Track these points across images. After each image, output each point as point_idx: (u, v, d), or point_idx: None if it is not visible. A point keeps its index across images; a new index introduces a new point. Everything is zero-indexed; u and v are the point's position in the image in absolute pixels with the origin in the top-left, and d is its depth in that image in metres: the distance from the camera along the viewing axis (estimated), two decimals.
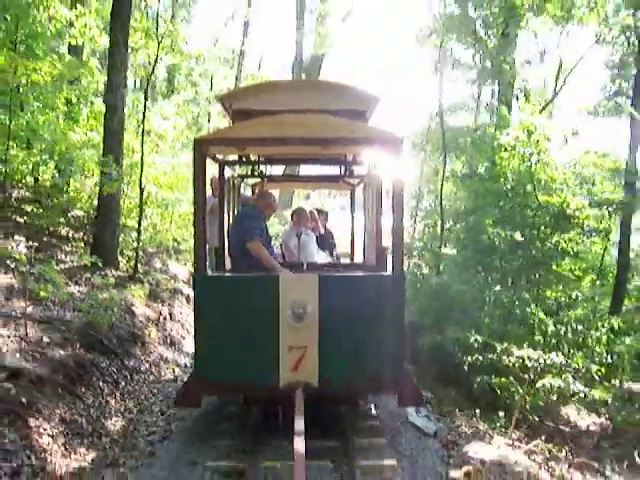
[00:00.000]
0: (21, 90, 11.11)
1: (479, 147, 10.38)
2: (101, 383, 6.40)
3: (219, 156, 7.03)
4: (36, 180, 12.95)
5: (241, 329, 5.32)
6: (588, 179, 11.43)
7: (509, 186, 9.89)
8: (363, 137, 5.70)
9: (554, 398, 7.64)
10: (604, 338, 9.07)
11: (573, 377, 7.43)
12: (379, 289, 5.55)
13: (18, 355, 5.79)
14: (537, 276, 10.94)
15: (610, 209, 11.06)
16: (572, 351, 9.47)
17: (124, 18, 10.36)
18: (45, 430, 4.98)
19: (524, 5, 14.90)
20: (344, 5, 23.59)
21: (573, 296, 11.37)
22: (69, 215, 12.31)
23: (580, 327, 8.91)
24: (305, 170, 11.54)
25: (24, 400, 5.10)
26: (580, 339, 9.01)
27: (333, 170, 8.54)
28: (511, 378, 7.51)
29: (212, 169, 7.31)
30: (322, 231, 9.34)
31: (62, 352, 6.24)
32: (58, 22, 12.68)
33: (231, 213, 7.81)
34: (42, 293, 7.34)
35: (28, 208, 11.47)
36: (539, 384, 7.14)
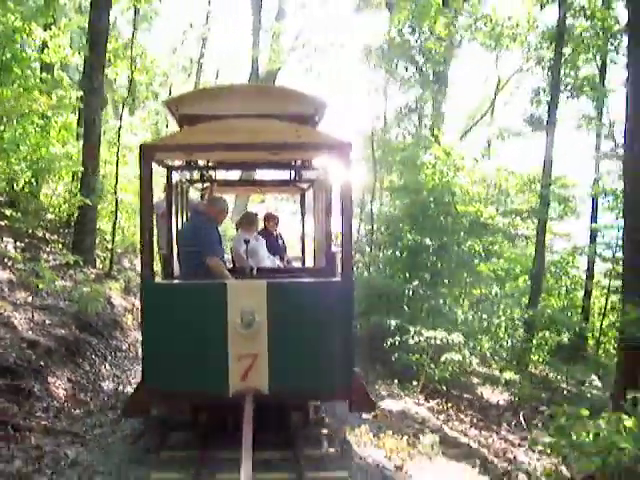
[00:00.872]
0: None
1: (406, 164, 12.31)
2: (93, 356, 8.10)
3: (167, 161, 6.98)
4: (12, 187, 14.42)
5: (189, 337, 5.29)
6: (504, 192, 13.53)
7: (431, 198, 11.87)
8: (310, 142, 5.75)
9: (457, 370, 9.62)
10: (503, 326, 11.12)
11: (471, 354, 9.44)
12: (328, 295, 5.56)
13: (30, 332, 7.49)
14: (465, 275, 13.01)
15: (519, 217, 13.18)
16: (480, 336, 11.55)
17: (100, 46, 12.03)
18: (59, 385, 6.72)
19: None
20: (297, 24, 25.32)
21: (493, 293, 13.52)
22: (43, 219, 13.85)
23: (485, 316, 10.95)
24: (258, 175, 11.90)
25: (42, 363, 6.83)
26: (485, 326, 11.05)
27: (284, 174, 8.57)
28: (424, 356, 9.46)
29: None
30: (274, 234, 9.46)
31: (62, 331, 7.93)
32: (34, 44, 14.18)
33: (179, 218, 7.84)
34: (40, 285, 9.01)
35: (7, 212, 13.00)
36: (442, 358, 9.12)
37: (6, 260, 9.65)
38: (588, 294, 16.81)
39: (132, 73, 12.68)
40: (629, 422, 4.71)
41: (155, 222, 7.18)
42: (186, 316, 5.26)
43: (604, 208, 17.11)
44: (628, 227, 8.27)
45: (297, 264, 9.61)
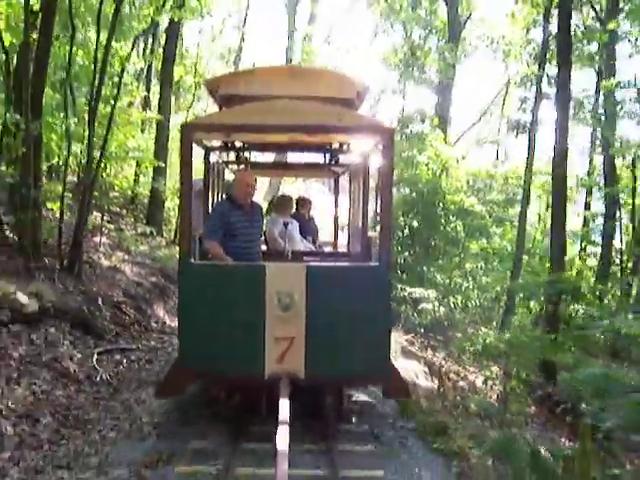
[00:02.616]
0: None
1: (406, 161, 15.82)
2: (174, 296, 11.97)
3: (205, 142, 7.05)
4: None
5: (226, 318, 5.35)
6: (487, 185, 17.09)
7: (426, 190, 15.46)
8: (352, 125, 5.74)
9: (434, 317, 13.27)
10: (472, 287, 14.75)
11: (440, 305, 13.06)
12: (366, 280, 5.58)
13: (136, 278, 11.33)
14: (459, 250, 16.64)
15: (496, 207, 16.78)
16: (457, 296, 15.19)
17: (170, 67, 15.84)
18: (158, 311, 10.56)
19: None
20: (326, 28, 28.58)
21: (478, 266, 17.17)
22: (110, 196, 17.69)
23: (459, 281, 14.60)
24: (291, 157, 11.38)
25: (147, 296, 10.67)
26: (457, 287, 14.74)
27: (318, 157, 8.51)
28: (407, 306, 13.12)
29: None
30: (307, 218, 9.64)
31: (153, 279, 11.72)
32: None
33: (215, 199, 8.05)
34: (132, 248, 12.91)
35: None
36: (419, 307, 12.80)
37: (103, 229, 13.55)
38: (580, 274, 20.15)
39: (195, 88, 16.41)
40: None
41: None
42: (224, 297, 5.36)
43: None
44: None
45: (328, 248, 9.78)
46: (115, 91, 10.28)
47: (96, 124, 9.40)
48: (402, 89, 22.35)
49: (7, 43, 8.46)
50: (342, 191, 9.54)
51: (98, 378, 6.56)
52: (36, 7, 8.76)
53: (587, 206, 21.20)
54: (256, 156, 9.01)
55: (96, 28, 9.11)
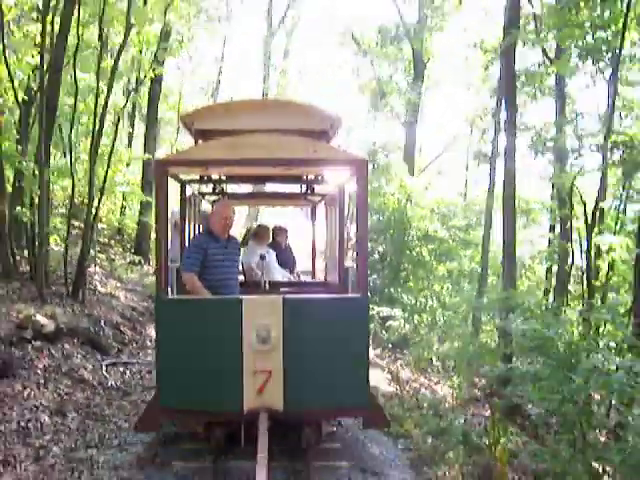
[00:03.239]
0: None
1: (373, 191, 17.37)
2: None
3: (181, 175, 7.09)
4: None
5: (203, 353, 5.34)
6: (449, 212, 18.68)
7: (393, 217, 17.01)
8: (327, 158, 5.81)
9: (400, 334, 14.70)
10: (437, 307, 16.23)
11: (406, 322, 14.51)
12: (344, 311, 5.59)
13: (130, 302, 12.67)
14: (426, 273, 18.15)
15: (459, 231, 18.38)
16: (422, 315, 16.66)
17: (155, 108, 17.32)
18: (151, 331, 11.88)
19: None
20: (301, 62, 30.23)
21: (444, 287, 18.69)
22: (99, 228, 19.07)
23: (423, 300, 16.10)
24: (270, 187, 11.37)
25: (140, 319, 12.00)
26: (424, 307, 16.21)
27: (296, 187, 8.58)
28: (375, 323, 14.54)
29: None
30: (284, 247, 9.75)
31: (144, 304, 13.05)
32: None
33: (192, 231, 8.22)
34: (124, 276, 14.25)
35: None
36: (387, 324, 14.24)
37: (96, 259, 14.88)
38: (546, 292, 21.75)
39: (178, 125, 17.89)
40: None
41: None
42: (200, 332, 5.36)
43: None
44: None
45: (306, 277, 9.89)
46: (112, 137, 11.72)
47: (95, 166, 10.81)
48: (373, 121, 24.05)
49: (19, 99, 9.83)
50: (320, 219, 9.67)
51: (109, 384, 7.88)
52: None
53: (551, 228, 22.95)
54: (233, 187, 9.10)
55: (96, 84, 10.50)
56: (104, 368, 8.36)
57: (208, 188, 8.30)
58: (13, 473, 5.14)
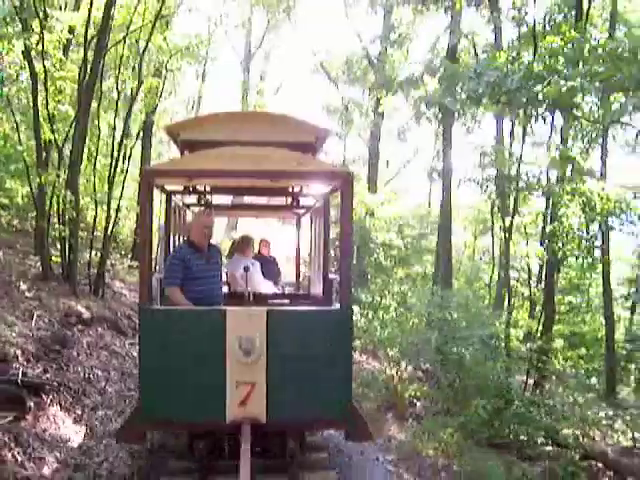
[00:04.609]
0: None
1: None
2: None
3: (166, 186, 7.27)
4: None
5: (186, 364, 5.45)
6: (404, 224, 22.09)
7: (356, 228, 20.33)
8: (311, 171, 6.00)
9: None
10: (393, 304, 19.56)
11: (362, 317, 17.79)
12: (328, 323, 5.73)
13: (134, 299, 15.79)
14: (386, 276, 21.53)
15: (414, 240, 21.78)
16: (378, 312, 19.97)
17: (150, 129, 20.49)
18: None
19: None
20: (276, 82, 33.39)
21: (401, 288, 22.05)
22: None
23: (378, 299, 19.45)
24: (252, 199, 11.68)
25: None
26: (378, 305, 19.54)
27: (280, 200, 8.98)
28: None
29: None
30: (268, 258, 10.19)
31: None
32: None
33: (177, 242, 8.43)
34: (126, 278, 17.41)
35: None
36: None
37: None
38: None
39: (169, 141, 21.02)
40: None
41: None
42: (184, 343, 5.45)
43: None
44: None
45: (290, 289, 10.19)
46: (125, 167, 14.96)
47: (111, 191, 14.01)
48: (342, 139, 27.45)
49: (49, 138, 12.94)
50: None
51: (133, 355, 11.06)
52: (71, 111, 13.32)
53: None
54: (218, 198, 9.28)
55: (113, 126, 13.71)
56: (127, 345, 11.55)
57: (193, 199, 8.75)
58: (90, 400, 8.34)
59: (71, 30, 13.75)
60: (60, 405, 7.57)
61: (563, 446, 8.51)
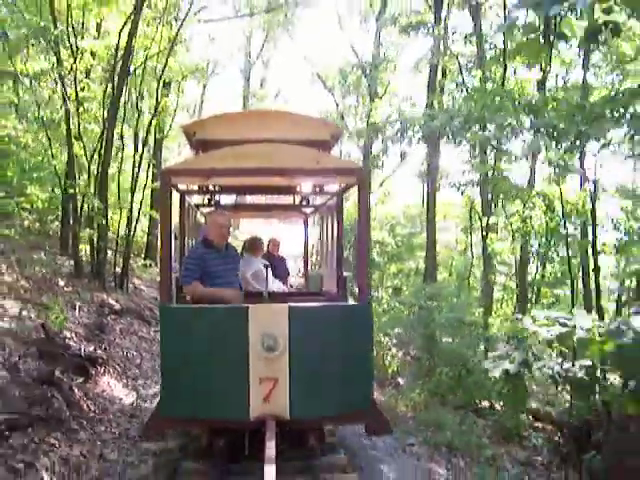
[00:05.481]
0: None
1: None
2: None
3: (180, 186, 7.32)
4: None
5: (209, 361, 5.57)
6: (397, 222, 24.20)
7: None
8: (329, 168, 6.10)
9: None
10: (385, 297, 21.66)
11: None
12: (348, 319, 5.86)
13: (151, 294, 17.88)
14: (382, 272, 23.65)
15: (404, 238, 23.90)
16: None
17: (161, 140, 22.56)
18: None
19: None
20: (275, 88, 35.45)
21: (394, 283, 24.18)
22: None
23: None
24: (257, 199, 12.24)
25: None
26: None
27: (288, 199, 9.08)
28: None
29: None
30: (277, 258, 10.28)
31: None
32: None
33: (190, 242, 8.61)
34: (142, 274, 19.50)
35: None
36: None
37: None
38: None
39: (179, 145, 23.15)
40: None
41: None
42: (205, 340, 5.58)
43: None
44: None
45: (299, 288, 10.50)
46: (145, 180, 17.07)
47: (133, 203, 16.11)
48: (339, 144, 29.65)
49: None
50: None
51: (158, 339, 13.15)
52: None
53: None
54: (225, 198, 9.45)
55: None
56: (152, 332, 13.65)
57: (203, 200, 8.92)
58: (131, 372, 10.45)
59: (93, 55, 15.86)
60: (110, 375, 9.65)
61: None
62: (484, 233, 17.75)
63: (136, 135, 16.71)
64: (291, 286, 10.61)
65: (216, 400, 5.64)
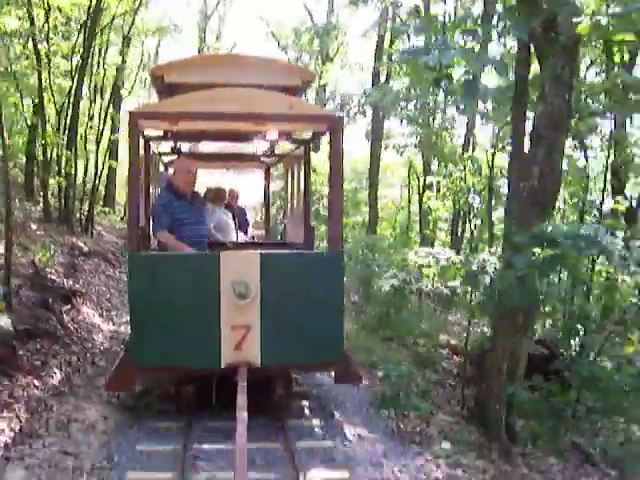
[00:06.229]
0: None
1: None
2: None
3: (146, 132, 7.18)
4: None
5: (180, 309, 5.56)
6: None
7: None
8: (302, 114, 6.13)
9: None
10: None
11: None
12: (320, 267, 5.94)
13: (112, 239, 19.38)
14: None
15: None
16: None
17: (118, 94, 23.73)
18: None
19: None
20: (230, 43, 36.46)
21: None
22: None
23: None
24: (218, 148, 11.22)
25: (120, 249, 18.84)
26: None
27: (251, 147, 8.92)
28: None
29: None
30: (237, 208, 10.40)
31: (119, 241, 19.80)
32: None
33: (153, 191, 8.49)
34: (104, 222, 20.96)
35: None
36: None
37: None
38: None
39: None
40: None
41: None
42: (176, 288, 5.59)
43: None
44: None
45: (259, 238, 10.58)
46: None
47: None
48: None
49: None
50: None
51: (123, 278, 14.73)
52: None
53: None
54: (186, 147, 9.20)
55: None
56: (117, 272, 15.26)
57: (166, 147, 8.75)
58: (104, 305, 12.11)
59: (60, 11, 17.00)
60: (87, 306, 11.27)
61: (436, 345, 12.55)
62: (420, 191, 19.79)
63: (102, 89, 17.82)
64: (252, 237, 10.84)
65: (187, 348, 5.66)
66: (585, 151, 11.11)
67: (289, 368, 6.11)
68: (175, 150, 8.62)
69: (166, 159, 9.76)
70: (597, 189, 12.50)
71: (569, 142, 10.02)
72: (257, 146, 8.94)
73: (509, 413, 6.97)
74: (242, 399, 4.82)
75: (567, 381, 7.40)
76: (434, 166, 20.24)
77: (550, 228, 5.56)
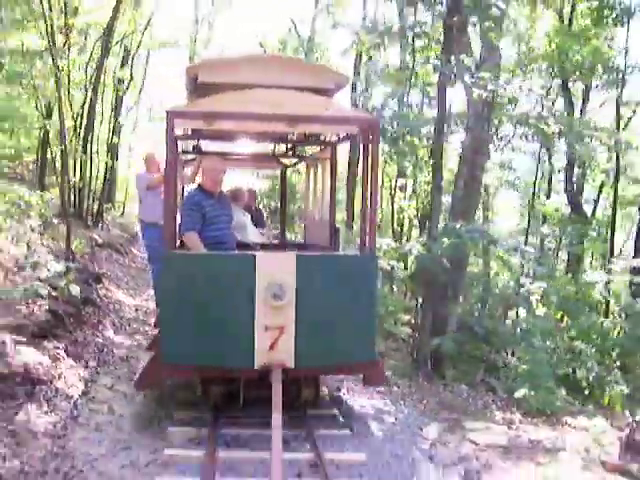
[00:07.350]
0: None
1: None
2: (136, 243, 22.75)
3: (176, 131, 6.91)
4: None
5: (215, 309, 5.59)
6: None
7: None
8: (338, 116, 6.14)
9: None
10: None
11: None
12: (355, 269, 6.00)
13: (118, 232, 22.04)
14: None
15: None
16: None
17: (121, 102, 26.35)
18: (135, 246, 21.44)
19: None
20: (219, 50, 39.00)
21: None
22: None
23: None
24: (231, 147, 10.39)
25: (130, 240, 21.49)
26: None
27: (268, 148, 9.08)
28: None
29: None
30: (254, 209, 10.53)
31: (125, 234, 22.41)
32: None
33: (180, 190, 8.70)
34: (107, 217, 23.63)
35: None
36: None
37: None
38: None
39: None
40: None
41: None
42: (210, 288, 5.62)
43: None
44: None
45: (276, 239, 10.71)
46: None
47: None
48: None
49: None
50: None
51: (134, 266, 17.45)
52: None
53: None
54: (207, 146, 8.90)
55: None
56: (127, 261, 17.96)
57: (188, 147, 8.79)
58: (124, 285, 14.83)
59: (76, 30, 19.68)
60: (113, 286, 13.99)
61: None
62: (392, 192, 22.47)
63: (117, 100, 20.59)
64: (269, 237, 10.93)
65: (220, 348, 5.72)
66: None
67: (323, 369, 6.25)
68: (196, 149, 8.80)
69: (188, 157, 9.90)
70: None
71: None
72: (277, 147, 9.12)
73: (439, 359, 9.84)
74: (277, 400, 4.98)
75: (480, 335, 10.27)
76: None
77: (458, 225, 8.42)
